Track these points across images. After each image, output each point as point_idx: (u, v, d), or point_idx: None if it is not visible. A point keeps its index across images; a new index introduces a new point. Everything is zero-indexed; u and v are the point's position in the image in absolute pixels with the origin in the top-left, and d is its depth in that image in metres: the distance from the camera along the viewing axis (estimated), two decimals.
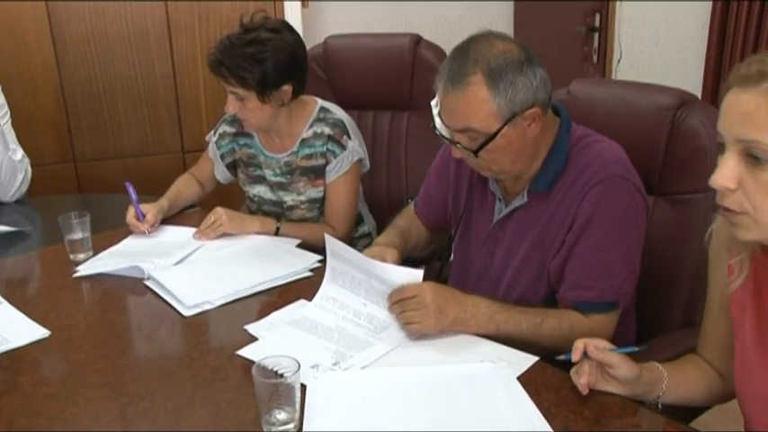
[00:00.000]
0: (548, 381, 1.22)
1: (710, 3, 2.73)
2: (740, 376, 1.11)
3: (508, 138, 1.35)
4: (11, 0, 2.79)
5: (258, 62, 1.80)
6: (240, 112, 1.89)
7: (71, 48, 2.94)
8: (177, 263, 1.74)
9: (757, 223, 0.95)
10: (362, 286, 1.45)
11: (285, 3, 3.15)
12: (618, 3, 3.31)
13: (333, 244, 1.49)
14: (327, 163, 1.98)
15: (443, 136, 1.43)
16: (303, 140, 1.99)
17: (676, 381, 1.20)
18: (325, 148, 1.97)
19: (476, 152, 1.37)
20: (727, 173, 0.93)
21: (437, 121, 1.42)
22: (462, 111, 1.35)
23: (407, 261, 1.89)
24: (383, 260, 1.50)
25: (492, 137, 1.34)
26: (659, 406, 1.19)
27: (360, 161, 2.02)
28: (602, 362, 1.15)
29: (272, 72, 1.82)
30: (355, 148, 1.98)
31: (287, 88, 1.87)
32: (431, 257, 1.97)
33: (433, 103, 1.43)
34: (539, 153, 1.44)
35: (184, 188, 2.14)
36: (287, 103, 1.91)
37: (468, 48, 1.36)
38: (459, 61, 1.34)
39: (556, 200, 1.43)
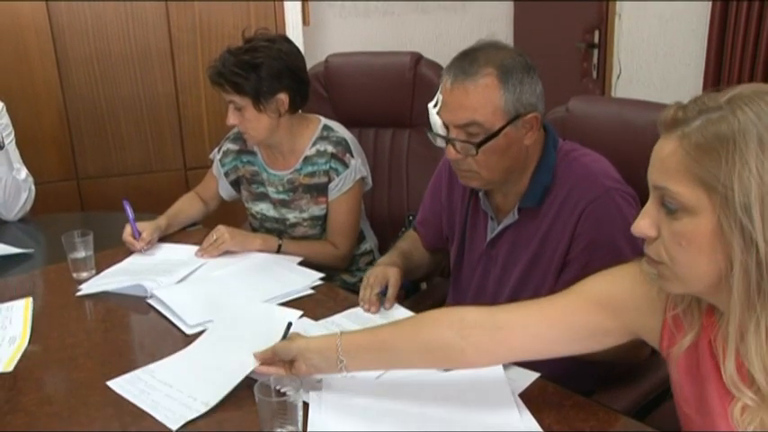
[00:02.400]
0: (549, 398, 1.22)
1: (708, 20, 2.76)
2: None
3: (508, 138, 1.37)
4: (14, 19, 2.82)
5: (252, 68, 1.84)
6: (240, 123, 1.91)
7: (74, 67, 2.96)
8: (180, 281, 1.74)
9: (677, 276, 0.90)
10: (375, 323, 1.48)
11: (287, 21, 3.19)
12: (617, 20, 3.34)
13: None
14: (330, 181, 1.99)
15: (440, 135, 1.43)
16: (306, 158, 2.00)
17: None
18: (328, 166, 1.98)
19: (477, 147, 1.37)
20: (646, 220, 0.90)
21: (436, 120, 1.43)
22: (470, 102, 1.36)
23: (411, 283, 1.91)
24: (386, 279, 1.56)
25: (494, 134, 1.36)
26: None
27: (362, 179, 2.04)
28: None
29: (266, 78, 1.85)
30: (358, 166, 1.99)
31: (282, 97, 1.89)
32: (431, 274, 1.98)
33: (431, 104, 1.44)
34: (527, 167, 1.45)
35: (186, 206, 2.15)
36: (284, 113, 1.92)
37: (476, 49, 1.40)
38: (469, 59, 1.38)
39: (548, 217, 1.43)
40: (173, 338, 1.49)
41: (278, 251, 1.94)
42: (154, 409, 1.23)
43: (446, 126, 1.41)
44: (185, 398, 1.25)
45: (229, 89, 1.86)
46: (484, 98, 1.35)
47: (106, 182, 3.11)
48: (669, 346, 1.01)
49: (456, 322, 1.16)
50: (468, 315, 1.16)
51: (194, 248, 1.92)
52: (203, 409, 1.21)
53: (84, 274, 1.79)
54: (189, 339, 1.48)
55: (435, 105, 1.42)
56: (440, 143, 1.46)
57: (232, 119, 1.91)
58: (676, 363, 1.01)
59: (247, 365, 1.26)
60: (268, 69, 1.85)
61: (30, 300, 1.62)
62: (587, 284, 1.11)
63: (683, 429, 1.04)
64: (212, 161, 2.17)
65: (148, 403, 1.24)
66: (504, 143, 1.37)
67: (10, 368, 1.38)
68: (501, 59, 1.36)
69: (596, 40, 3.46)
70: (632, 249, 1.36)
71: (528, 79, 1.37)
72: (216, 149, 2.17)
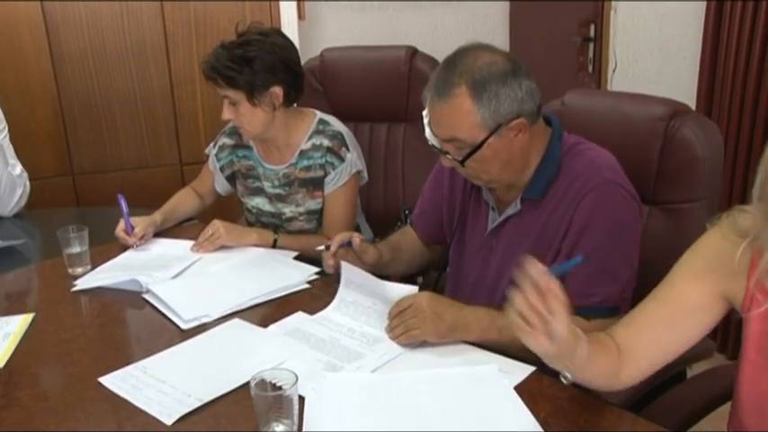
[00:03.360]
0: (544, 390, 1.23)
1: (704, 14, 2.76)
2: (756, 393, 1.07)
3: (494, 148, 1.38)
4: (8, 13, 2.81)
5: (245, 62, 1.83)
6: (235, 118, 1.91)
7: (69, 62, 2.95)
8: (175, 276, 1.74)
9: None
10: (364, 312, 1.49)
11: (282, 15, 3.17)
12: (612, 14, 3.34)
13: (349, 272, 1.54)
14: (326, 175, 1.99)
15: (433, 145, 1.46)
16: (302, 152, 2.00)
17: (591, 356, 1.08)
18: (323, 160, 1.98)
19: (462, 162, 1.40)
20: None
21: (427, 130, 1.45)
22: (448, 121, 1.38)
23: (405, 277, 1.91)
24: (342, 238, 1.59)
25: (477, 147, 1.37)
26: (565, 380, 1.10)
27: (358, 173, 2.04)
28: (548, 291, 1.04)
29: (260, 71, 1.85)
30: (354, 160, 1.99)
31: (276, 90, 1.89)
32: (428, 268, 1.98)
33: (423, 113, 1.46)
34: (530, 162, 1.46)
35: (182, 202, 2.15)
36: (278, 107, 1.92)
37: (454, 60, 1.39)
38: (446, 73, 1.37)
39: (549, 207, 1.44)
40: (168, 334, 1.49)
41: (274, 246, 1.94)
42: (147, 404, 1.22)
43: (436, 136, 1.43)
44: (179, 393, 1.25)
45: (223, 83, 1.85)
46: (459, 118, 1.36)
47: (101, 177, 3.10)
48: (750, 310, 1.04)
49: None
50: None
51: (190, 243, 1.92)
52: (197, 404, 1.21)
53: (80, 270, 1.79)
54: (184, 335, 1.48)
55: (426, 116, 1.44)
56: (435, 150, 1.47)
57: (227, 114, 1.91)
58: (753, 324, 1.04)
59: (247, 371, 1.25)
60: (261, 63, 1.85)
61: (31, 315, 1.58)
62: (677, 268, 1.14)
63: (741, 383, 1.08)
64: (208, 156, 2.17)
65: (142, 399, 1.24)
66: (490, 153, 1.38)
67: (1, 364, 1.38)
68: (474, 73, 1.34)
69: (592, 33, 3.45)
70: (613, 246, 1.38)
71: (504, 88, 1.34)
72: (211, 144, 2.16)
